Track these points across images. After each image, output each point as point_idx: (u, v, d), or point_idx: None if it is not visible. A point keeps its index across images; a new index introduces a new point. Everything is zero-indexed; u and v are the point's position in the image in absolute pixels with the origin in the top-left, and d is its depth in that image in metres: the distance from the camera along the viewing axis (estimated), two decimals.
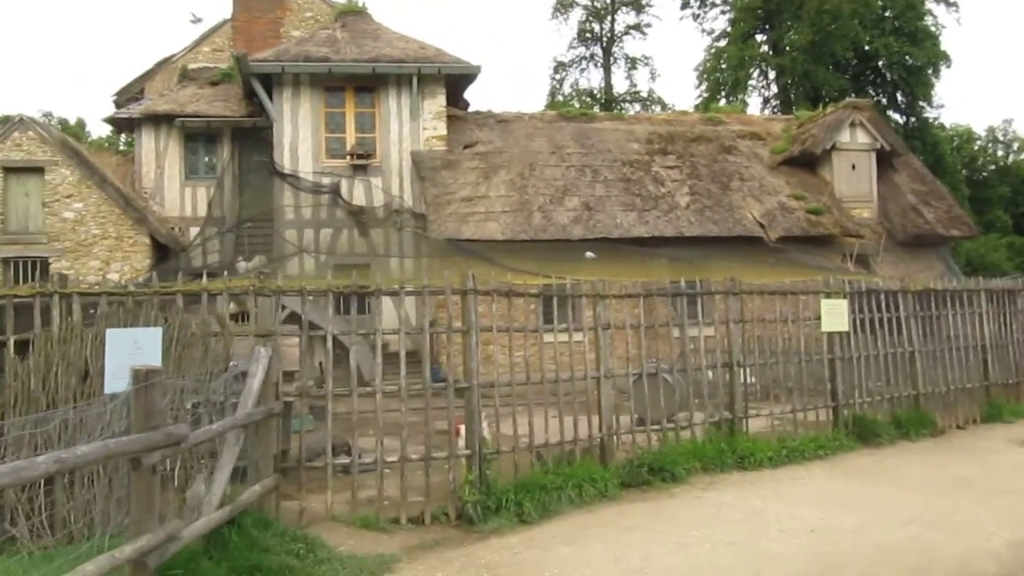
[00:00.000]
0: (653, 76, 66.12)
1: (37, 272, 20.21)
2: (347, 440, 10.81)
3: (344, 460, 7.78)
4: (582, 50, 49.87)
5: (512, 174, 20.89)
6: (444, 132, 21.78)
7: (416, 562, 6.35)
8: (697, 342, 10.16)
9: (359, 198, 21.25)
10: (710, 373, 10.04)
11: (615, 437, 8.80)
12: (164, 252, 21.27)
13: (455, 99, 23.05)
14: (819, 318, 11.02)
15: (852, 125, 22.13)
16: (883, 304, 11.69)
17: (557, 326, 8.92)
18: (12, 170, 20.71)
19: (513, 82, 71.60)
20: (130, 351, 5.87)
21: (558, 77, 49.96)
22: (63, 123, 33.49)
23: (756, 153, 23.09)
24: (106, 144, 28.58)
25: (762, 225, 20.43)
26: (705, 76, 43.67)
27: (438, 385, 7.99)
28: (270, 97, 21.11)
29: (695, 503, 7.98)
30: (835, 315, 10.84)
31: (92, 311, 6.97)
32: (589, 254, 17.71)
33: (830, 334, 10.96)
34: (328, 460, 7.45)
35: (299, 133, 21.14)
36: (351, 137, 21.46)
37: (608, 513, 7.69)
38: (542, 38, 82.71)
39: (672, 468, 8.66)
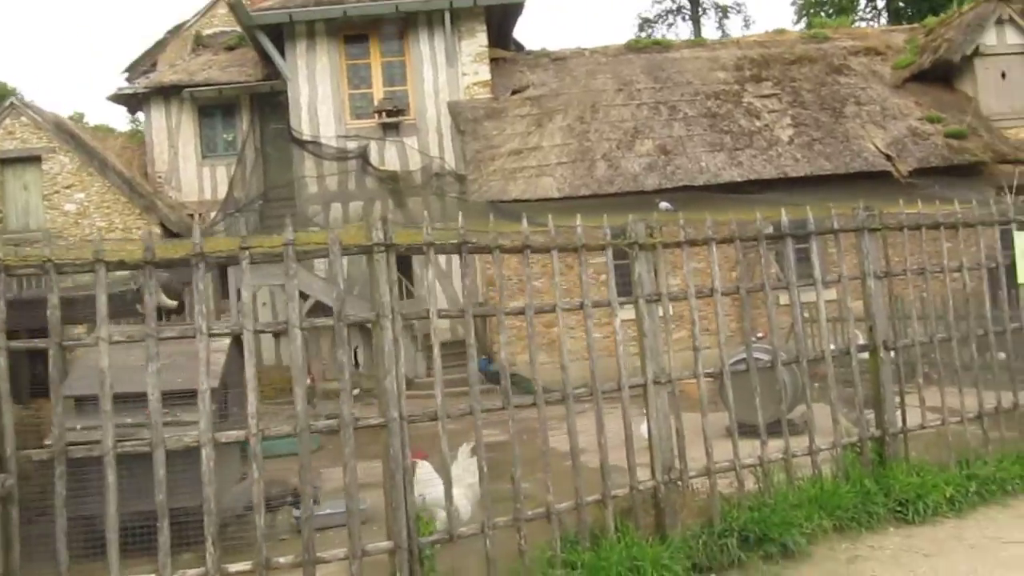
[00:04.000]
0: (747, 23, 60.70)
1: None
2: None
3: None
4: (668, 3, 45.72)
5: (570, 119, 17.17)
6: (487, 77, 18.24)
7: None
8: (814, 311, 6.39)
9: (392, 162, 17.98)
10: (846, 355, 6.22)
11: (680, 483, 5.14)
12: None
13: (502, 39, 19.46)
14: (1001, 265, 7.09)
15: (999, 22, 17.41)
16: None
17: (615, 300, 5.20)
18: (7, 161, 18.33)
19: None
20: None
21: (644, 35, 45.79)
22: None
23: (874, 71, 18.63)
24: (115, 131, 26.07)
25: (888, 157, 16.12)
26: (805, 11, 38.65)
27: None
28: (282, 54, 17.98)
29: None
30: None
31: None
32: (664, 204, 13.87)
33: None
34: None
35: (317, 92, 17.97)
36: (379, 92, 18.17)
37: None
38: None
39: (782, 534, 4.96)
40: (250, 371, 4.13)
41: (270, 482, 7.74)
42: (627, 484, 4.99)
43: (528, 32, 67.69)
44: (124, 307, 8.48)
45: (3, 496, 3.79)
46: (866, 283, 6.06)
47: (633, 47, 19.77)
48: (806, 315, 13.02)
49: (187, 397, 6.26)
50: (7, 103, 18.47)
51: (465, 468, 5.66)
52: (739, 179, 15.64)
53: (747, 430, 5.64)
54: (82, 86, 59.32)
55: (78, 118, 33.29)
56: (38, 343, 3.92)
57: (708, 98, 17.65)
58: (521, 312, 4.83)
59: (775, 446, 5.61)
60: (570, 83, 18.32)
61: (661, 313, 5.28)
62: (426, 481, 5.74)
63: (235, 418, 7.63)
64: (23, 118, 18.31)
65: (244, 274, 4.11)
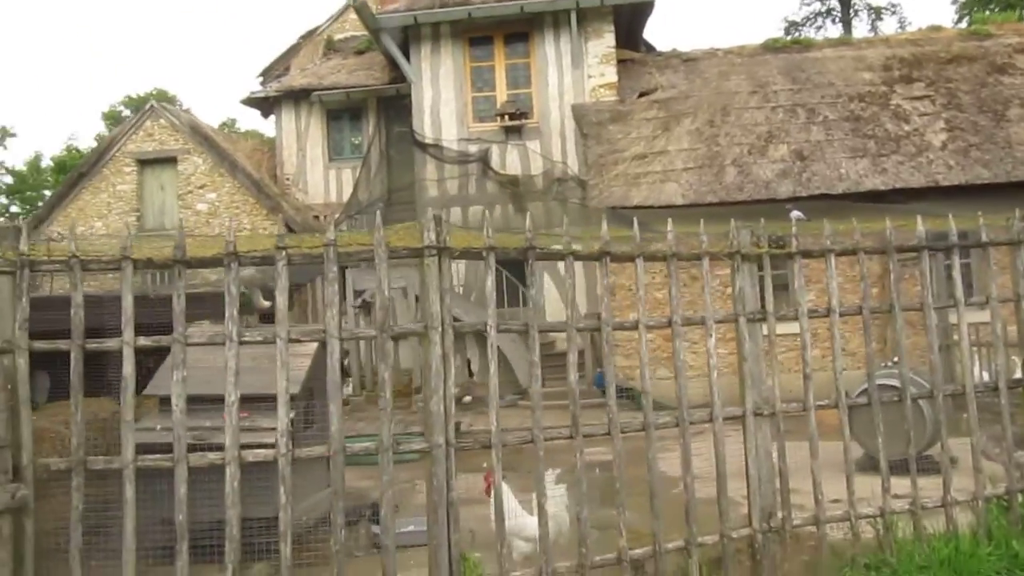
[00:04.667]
0: (902, 25, 57.46)
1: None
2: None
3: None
4: (817, 5, 43.72)
5: (699, 122, 16.30)
6: (614, 79, 17.58)
7: None
8: (961, 333, 5.49)
9: (513, 166, 17.59)
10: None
11: (782, 532, 4.40)
12: None
13: (631, 40, 18.79)
14: None
15: None
16: None
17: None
18: (147, 162, 19.08)
19: None
20: None
21: (790, 39, 43.93)
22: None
23: None
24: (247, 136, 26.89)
25: None
26: (967, 9, 35.95)
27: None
28: (407, 56, 17.92)
29: None
30: None
31: None
32: (796, 213, 12.80)
33: None
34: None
35: (440, 95, 17.79)
36: (502, 94, 17.81)
37: None
38: None
39: None
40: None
41: (349, 495, 7.43)
42: (732, 526, 4.30)
43: (663, 35, 66.15)
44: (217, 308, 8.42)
45: (16, 508, 3.52)
46: (1021, 306, 5.12)
47: (770, 47, 18.65)
48: (953, 338, 11.76)
49: (271, 400, 6.03)
50: (148, 106, 19.21)
51: (551, 496, 5.10)
52: (883, 187, 14.39)
53: (877, 464, 4.85)
54: (232, 92, 62.30)
55: (230, 124, 34.90)
56: (60, 344, 3.64)
57: (851, 100, 16.40)
58: (629, 327, 4.26)
59: (901, 486, 4.77)
60: (700, 85, 17.43)
61: (767, 332, 4.57)
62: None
63: (321, 424, 7.36)
64: (161, 120, 19.01)
65: (281, 275, 3.70)
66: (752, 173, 15.05)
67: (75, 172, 19.65)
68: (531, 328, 4.03)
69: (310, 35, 21.85)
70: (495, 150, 17.58)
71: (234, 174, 18.65)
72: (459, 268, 17.15)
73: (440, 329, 3.72)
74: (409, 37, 17.80)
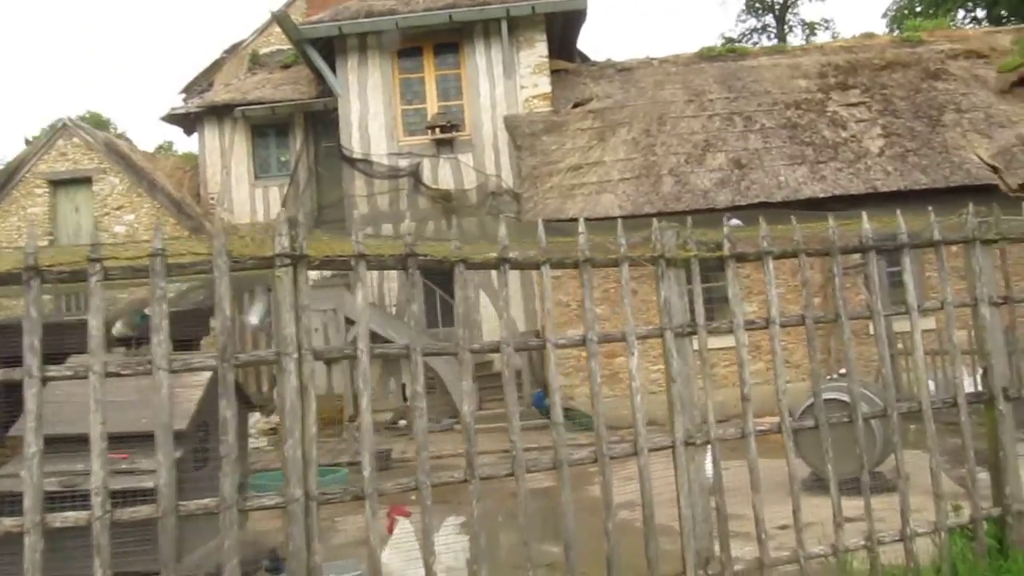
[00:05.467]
0: (835, 39, 58.62)
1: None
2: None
3: None
4: (752, 21, 44.46)
5: (635, 132, 15.86)
6: (548, 89, 17.09)
7: None
8: (910, 343, 4.97)
9: (445, 180, 16.95)
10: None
11: None
12: None
13: (565, 50, 18.35)
14: None
15: None
16: None
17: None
18: (60, 183, 18.02)
19: None
20: None
21: (725, 47, 44.35)
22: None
23: (976, 75, 16.76)
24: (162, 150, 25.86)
25: (995, 169, 14.30)
26: (898, 21, 36.51)
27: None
28: (332, 69, 17.20)
29: None
30: None
31: None
32: (734, 221, 12.30)
33: None
34: None
35: (369, 108, 17.11)
36: (433, 107, 17.19)
37: None
38: (706, 14, 75.81)
39: None
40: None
41: (245, 543, 6.65)
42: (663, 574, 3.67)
43: (598, 45, 66.27)
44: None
45: None
46: (979, 311, 4.60)
47: (706, 55, 18.35)
48: (900, 346, 11.37)
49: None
50: (60, 124, 18.16)
51: (447, 546, 4.43)
52: (822, 195, 14.05)
53: (825, 484, 4.29)
54: (144, 103, 60.55)
55: (168, 146, 33.39)
56: None
57: (788, 107, 16.12)
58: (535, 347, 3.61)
59: (852, 507, 4.20)
60: (636, 94, 17.02)
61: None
62: (401, 548, 4.57)
63: (217, 464, 6.57)
64: (75, 139, 17.99)
65: (95, 293, 2.97)
66: (690, 182, 14.62)
67: None
68: (462, 351, 3.37)
69: (234, 49, 20.98)
70: (426, 164, 16.94)
71: (153, 194, 17.71)
72: (390, 286, 16.44)
73: (296, 356, 3.03)
74: (335, 48, 17.11)
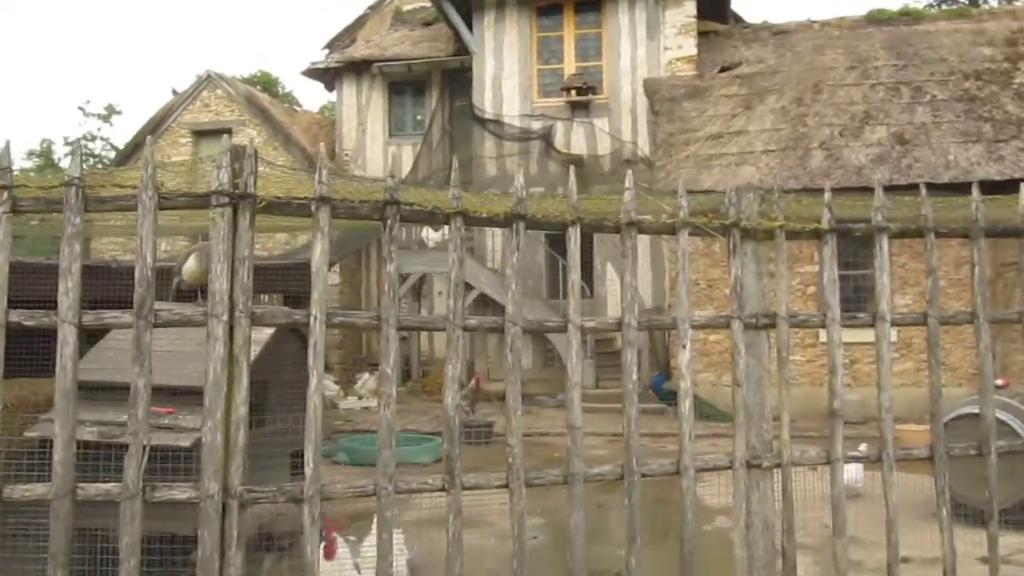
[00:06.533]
0: None
1: None
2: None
3: None
4: None
5: (786, 100, 14.51)
6: (693, 52, 15.93)
7: None
8: None
9: (578, 146, 16.15)
10: None
11: None
12: None
13: (717, 10, 17.07)
14: None
15: None
16: None
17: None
18: (202, 133, 18.44)
19: None
20: None
21: (898, 9, 40.85)
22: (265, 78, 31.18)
23: None
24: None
25: None
26: None
27: None
28: (469, 27, 16.66)
29: None
30: None
31: None
32: None
33: None
34: None
35: (503, 67, 16.49)
36: (570, 67, 16.38)
37: None
38: None
39: None
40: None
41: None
42: None
43: (757, 6, 61.89)
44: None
45: None
46: None
47: (875, 19, 16.60)
48: None
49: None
50: (204, 75, 18.54)
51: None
52: (998, 177, 12.30)
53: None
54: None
55: (330, 107, 33.62)
56: None
57: (966, 78, 14.30)
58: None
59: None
60: (791, 60, 15.59)
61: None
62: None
63: (272, 421, 6.15)
64: (218, 91, 18.33)
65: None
66: (843, 157, 13.21)
67: (131, 143, 19.19)
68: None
69: (378, 5, 20.82)
70: (559, 127, 16.18)
71: (288, 148, 17.82)
72: (494, 244, 15.88)
73: (226, 319, 2.42)
74: (473, 5, 16.54)
